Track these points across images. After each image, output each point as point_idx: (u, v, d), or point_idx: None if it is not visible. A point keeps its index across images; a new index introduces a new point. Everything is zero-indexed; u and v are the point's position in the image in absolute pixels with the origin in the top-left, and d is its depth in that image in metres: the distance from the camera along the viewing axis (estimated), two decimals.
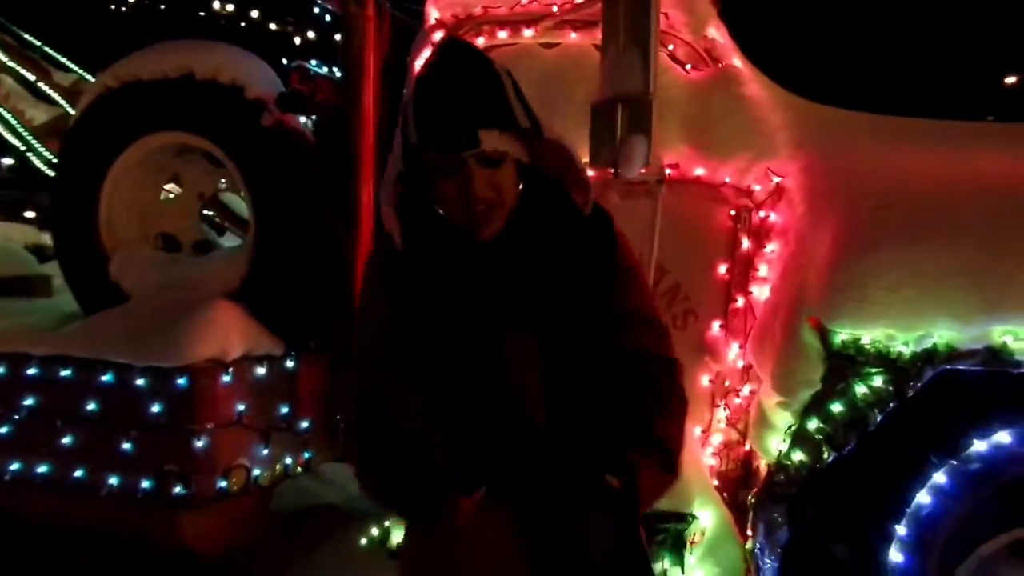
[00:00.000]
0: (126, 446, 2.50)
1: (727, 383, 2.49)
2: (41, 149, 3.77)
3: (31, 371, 2.59)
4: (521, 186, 1.29)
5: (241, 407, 2.53)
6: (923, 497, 1.97)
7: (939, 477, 1.96)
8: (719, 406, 2.51)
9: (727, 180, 2.45)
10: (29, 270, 3.40)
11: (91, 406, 2.53)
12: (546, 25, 2.58)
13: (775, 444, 2.19)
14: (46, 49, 4.20)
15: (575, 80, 2.52)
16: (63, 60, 4.23)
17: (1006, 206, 2.02)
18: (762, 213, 2.43)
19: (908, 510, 1.99)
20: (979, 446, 1.93)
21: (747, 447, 2.50)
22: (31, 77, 3.90)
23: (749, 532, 2.26)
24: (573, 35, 2.58)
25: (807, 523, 2.08)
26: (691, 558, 2.26)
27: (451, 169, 1.20)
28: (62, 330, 2.69)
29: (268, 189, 2.73)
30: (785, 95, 2.55)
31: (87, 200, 2.91)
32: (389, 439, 1.28)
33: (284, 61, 3.31)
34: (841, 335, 2.06)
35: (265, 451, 2.61)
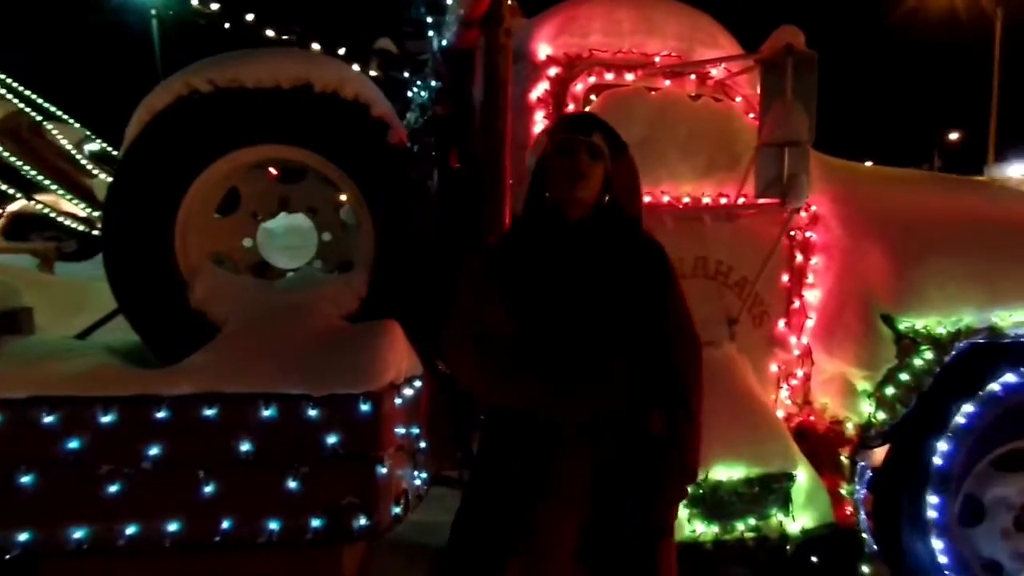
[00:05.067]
0: (291, 485, 2.29)
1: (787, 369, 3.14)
2: None
3: (159, 415, 2.22)
4: (607, 198, 1.89)
5: (402, 430, 2.48)
6: (959, 418, 2.78)
7: (967, 407, 2.78)
8: (782, 387, 3.15)
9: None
10: (13, 304, 2.73)
11: (245, 447, 2.27)
12: (646, 72, 2.99)
13: (865, 408, 2.88)
14: None
15: (675, 122, 2.98)
16: None
17: (995, 231, 2.98)
18: (807, 233, 3.14)
19: (948, 429, 2.77)
20: (993, 386, 2.80)
21: (800, 419, 3.17)
22: None
23: (843, 480, 2.91)
24: (667, 83, 3.02)
25: (888, 465, 2.81)
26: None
27: (567, 150, 1.83)
28: (183, 366, 2.32)
29: (390, 208, 2.69)
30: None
31: (162, 218, 2.53)
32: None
33: None
34: (904, 323, 2.84)
35: (414, 474, 2.58)
